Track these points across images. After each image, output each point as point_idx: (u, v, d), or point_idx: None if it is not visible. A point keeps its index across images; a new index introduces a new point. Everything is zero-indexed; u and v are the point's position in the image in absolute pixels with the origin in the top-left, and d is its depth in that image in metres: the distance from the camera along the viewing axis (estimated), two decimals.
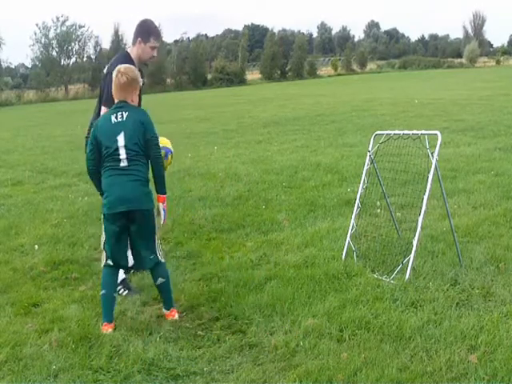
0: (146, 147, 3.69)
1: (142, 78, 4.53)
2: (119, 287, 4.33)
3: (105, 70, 4.43)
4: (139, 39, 4.37)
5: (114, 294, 3.81)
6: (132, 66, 3.92)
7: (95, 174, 3.81)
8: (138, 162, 3.67)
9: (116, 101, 3.80)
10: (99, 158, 3.72)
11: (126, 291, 4.29)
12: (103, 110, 4.28)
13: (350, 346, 3.32)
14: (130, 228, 3.71)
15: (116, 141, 3.64)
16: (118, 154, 3.63)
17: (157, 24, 4.54)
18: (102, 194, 3.80)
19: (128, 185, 3.64)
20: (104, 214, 3.73)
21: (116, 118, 3.70)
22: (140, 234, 3.74)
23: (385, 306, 3.75)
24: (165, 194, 3.85)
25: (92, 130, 3.83)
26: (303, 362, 3.18)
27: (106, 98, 4.23)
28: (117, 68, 3.82)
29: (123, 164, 3.64)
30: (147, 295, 4.28)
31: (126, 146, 3.63)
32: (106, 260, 3.79)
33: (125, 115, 3.70)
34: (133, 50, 4.44)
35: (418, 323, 3.50)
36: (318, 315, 3.69)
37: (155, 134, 3.76)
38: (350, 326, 3.52)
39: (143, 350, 3.41)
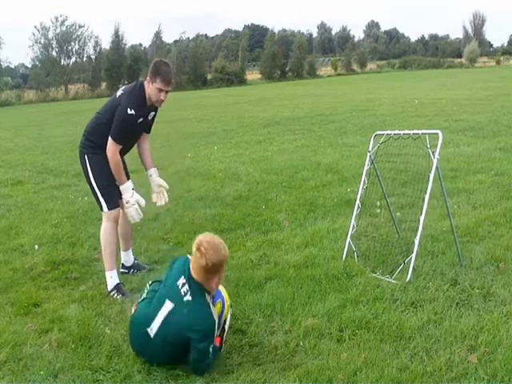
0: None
1: (151, 117, 4.52)
2: (113, 292, 4.34)
3: (118, 93, 4.36)
4: (148, 78, 4.25)
5: None
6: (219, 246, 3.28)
7: None
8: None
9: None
10: None
11: (120, 295, 4.28)
12: (110, 143, 4.25)
13: (349, 346, 3.32)
14: None
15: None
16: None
17: (170, 69, 4.33)
18: None
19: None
20: None
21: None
22: None
23: (385, 306, 3.75)
24: None
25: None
26: (303, 362, 3.18)
27: (115, 135, 4.23)
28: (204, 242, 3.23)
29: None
30: None
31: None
32: None
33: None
34: (146, 86, 4.32)
35: (418, 323, 3.50)
36: (318, 315, 3.69)
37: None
38: (350, 326, 3.52)
39: None
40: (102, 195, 4.39)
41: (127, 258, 4.85)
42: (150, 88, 4.25)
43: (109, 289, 4.37)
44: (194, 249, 3.22)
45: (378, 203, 5.71)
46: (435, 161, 4.18)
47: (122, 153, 4.41)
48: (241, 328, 3.64)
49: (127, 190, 4.35)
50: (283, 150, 10.84)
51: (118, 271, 4.52)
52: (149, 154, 4.67)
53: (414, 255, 4.15)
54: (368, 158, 4.78)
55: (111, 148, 4.25)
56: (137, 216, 4.39)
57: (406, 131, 4.52)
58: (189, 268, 3.27)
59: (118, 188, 4.42)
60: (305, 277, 4.32)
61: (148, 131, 4.65)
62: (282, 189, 7.48)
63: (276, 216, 6.18)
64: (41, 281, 4.72)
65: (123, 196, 4.36)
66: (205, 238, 3.26)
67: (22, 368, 3.27)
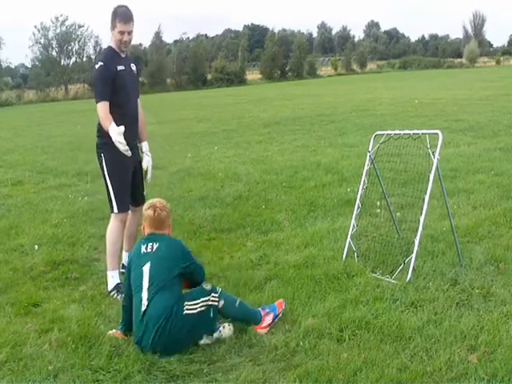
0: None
1: (134, 68, 4.54)
2: (113, 292, 4.34)
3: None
4: (110, 27, 4.30)
5: None
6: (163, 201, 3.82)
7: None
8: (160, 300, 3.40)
9: (147, 232, 3.72)
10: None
11: (120, 295, 4.28)
12: (97, 106, 4.23)
13: (349, 346, 3.32)
14: None
15: (141, 275, 3.50)
16: (141, 296, 3.44)
17: (130, 9, 4.35)
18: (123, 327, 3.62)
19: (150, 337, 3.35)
20: None
21: (146, 248, 3.61)
22: None
23: (385, 306, 3.75)
24: None
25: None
26: (303, 362, 3.18)
27: (98, 92, 4.22)
28: (152, 203, 3.74)
29: (143, 308, 3.40)
30: None
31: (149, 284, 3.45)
32: None
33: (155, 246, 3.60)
34: (112, 42, 4.38)
35: (418, 323, 3.50)
36: (318, 315, 3.68)
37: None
38: (350, 326, 3.51)
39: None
40: (115, 196, 4.41)
41: None
42: (114, 35, 4.30)
43: (109, 288, 4.37)
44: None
45: (378, 203, 5.70)
46: (435, 161, 4.18)
47: (128, 119, 4.36)
48: (241, 328, 3.63)
49: (112, 130, 4.16)
50: (283, 150, 10.84)
51: (119, 271, 4.52)
52: (143, 127, 4.71)
53: (413, 255, 4.15)
54: (368, 157, 4.78)
55: (99, 108, 4.23)
56: (123, 147, 4.17)
57: (406, 131, 4.52)
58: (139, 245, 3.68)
59: (131, 191, 4.50)
60: (305, 277, 4.32)
61: (137, 91, 4.64)
62: (282, 189, 7.48)
63: (276, 216, 6.18)
64: (41, 281, 4.72)
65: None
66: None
67: (22, 368, 3.27)
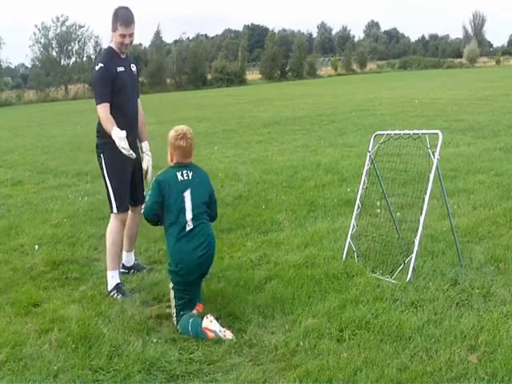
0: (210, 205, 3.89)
1: (134, 68, 4.55)
2: (113, 291, 4.34)
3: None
4: (111, 29, 4.30)
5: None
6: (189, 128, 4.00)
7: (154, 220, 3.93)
8: (204, 221, 3.79)
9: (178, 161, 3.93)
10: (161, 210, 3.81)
11: (120, 295, 4.28)
12: (97, 108, 4.24)
13: (349, 346, 3.32)
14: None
15: (183, 199, 3.74)
16: (185, 217, 3.71)
17: (131, 10, 4.35)
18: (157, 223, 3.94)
19: (200, 254, 3.70)
20: (175, 281, 3.76)
21: (181, 175, 3.84)
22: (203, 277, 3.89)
23: (385, 306, 3.75)
24: None
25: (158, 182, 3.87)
26: (303, 362, 3.18)
27: (98, 94, 4.23)
28: (182, 132, 3.92)
29: (189, 227, 3.71)
30: (147, 295, 4.28)
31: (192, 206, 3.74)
32: (181, 313, 3.75)
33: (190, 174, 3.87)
34: (112, 43, 4.40)
35: (418, 323, 3.50)
36: (318, 315, 3.69)
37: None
38: (350, 326, 3.52)
39: (143, 350, 3.41)
40: (114, 196, 4.42)
41: (129, 258, 4.85)
42: (115, 37, 4.30)
43: (109, 288, 4.37)
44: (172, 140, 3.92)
45: (378, 203, 5.70)
46: (435, 161, 4.18)
47: (128, 119, 4.39)
48: (241, 328, 3.63)
49: (115, 134, 4.17)
50: (283, 150, 10.84)
51: (119, 271, 4.52)
52: (143, 126, 4.72)
53: (413, 255, 4.15)
54: (368, 157, 4.78)
55: (100, 109, 4.24)
56: (127, 152, 4.22)
57: (406, 131, 4.52)
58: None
59: (131, 191, 4.51)
60: (305, 277, 4.32)
61: (137, 91, 4.66)
62: (282, 189, 7.48)
63: (276, 216, 6.18)
64: (41, 281, 4.72)
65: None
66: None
67: (22, 368, 3.27)
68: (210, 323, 3.56)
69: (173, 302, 3.79)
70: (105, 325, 3.77)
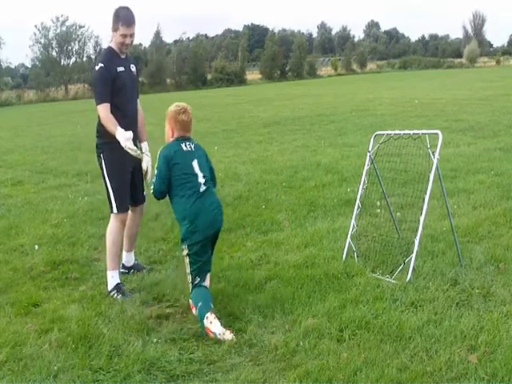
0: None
1: (134, 69, 4.55)
2: (113, 292, 4.34)
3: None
4: (111, 29, 4.31)
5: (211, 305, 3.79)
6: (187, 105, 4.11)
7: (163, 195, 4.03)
8: (210, 185, 4.00)
9: (179, 135, 4.03)
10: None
11: (120, 295, 4.28)
12: (98, 108, 4.25)
13: (349, 346, 3.32)
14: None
15: (192, 167, 3.91)
16: (198, 181, 3.89)
17: (132, 11, 4.36)
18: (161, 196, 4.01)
19: (214, 208, 3.92)
20: (192, 243, 3.83)
21: (186, 146, 3.98)
22: (213, 244, 4.04)
23: (385, 306, 3.75)
24: None
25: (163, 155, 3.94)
26: (303, 362, 3.18)
27: (98, 94, 4.23)
28: (183, 108, 4.04)
29: (202, 189, 3.89)
30: (147, 295, 4.28)
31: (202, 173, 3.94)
32: (198, 282, 3.86)
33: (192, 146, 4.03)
34: (112, 43, 4.41)
35: (418, 323, 3.50)
36: (318, 315, 3.69)
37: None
38: (350, 326, 3.52)
39: (143, 350, 3.41)
40: (114, 197, 4.42)
41: (129, 258, 4.85)
42: (116, 37, 4.30)
43: (109, 288, 4.37)
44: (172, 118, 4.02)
45: (378, 203, 5.71)
46: (435, 161, 4.18)
47: (128, 120, 4.38)
48: (241, 328, 3.64)
49: (120, 135, 4.18)
50: (283, 150, 10.84)
51: (119, 271, 4.52)
52: (143, 127, 4.72)
53: (414, 255, 4.15)
54: (368, 157, 4.78)
55: (100, 110, 4.25)
56: (134, 152, 4.25)
57: (406, 131, 4.52)
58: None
59: (131, 191, 4.51)
60: (305, 277, 4.32)
61: (137, 91, 4.66)
62: (282, 189, 7.48)
63: (276, 216, 6.18)
64: (41, 281, 4.72)
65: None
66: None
67: (22, 368, 3.27)
68: (210, 324, 3.56)
69: (188, 269, 3.87)
70: (105, 325, 3.77)
